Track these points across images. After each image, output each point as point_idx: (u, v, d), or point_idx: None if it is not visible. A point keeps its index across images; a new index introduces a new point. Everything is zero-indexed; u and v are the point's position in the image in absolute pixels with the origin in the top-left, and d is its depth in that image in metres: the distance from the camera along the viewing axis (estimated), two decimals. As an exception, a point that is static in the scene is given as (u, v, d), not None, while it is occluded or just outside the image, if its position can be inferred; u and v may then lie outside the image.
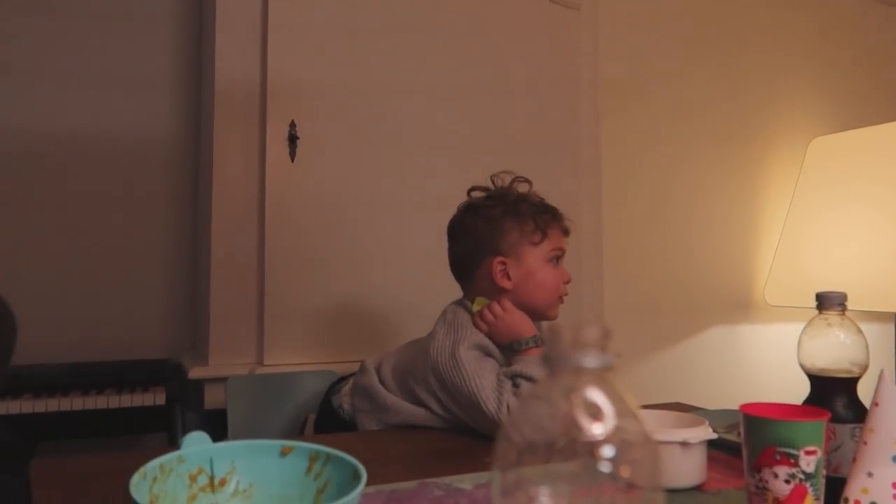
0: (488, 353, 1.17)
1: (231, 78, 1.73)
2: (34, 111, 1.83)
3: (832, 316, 0.79)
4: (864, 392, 0.76)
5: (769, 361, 2.44)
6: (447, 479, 0.88)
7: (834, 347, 0.79)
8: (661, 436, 0.84)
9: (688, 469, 0.85)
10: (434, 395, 1.16)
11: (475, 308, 1.22)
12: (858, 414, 0.76)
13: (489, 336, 1.19)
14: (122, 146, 1.90)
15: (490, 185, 1.29)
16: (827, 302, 0.80)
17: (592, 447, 0.38)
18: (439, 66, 1.90)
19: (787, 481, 0.66)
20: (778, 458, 0.66)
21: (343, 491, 0.61)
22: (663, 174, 2.36)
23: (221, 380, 1.55)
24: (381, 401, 1.21)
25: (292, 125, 1.74)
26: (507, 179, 1.28)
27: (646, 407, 1.16)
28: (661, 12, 2.37)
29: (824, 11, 2.62)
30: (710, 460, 0.90)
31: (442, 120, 1.89)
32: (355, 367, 1.35)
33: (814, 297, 0.81)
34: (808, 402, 0.80)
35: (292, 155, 1.74)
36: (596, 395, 0.40)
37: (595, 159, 2.12)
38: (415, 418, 1.19)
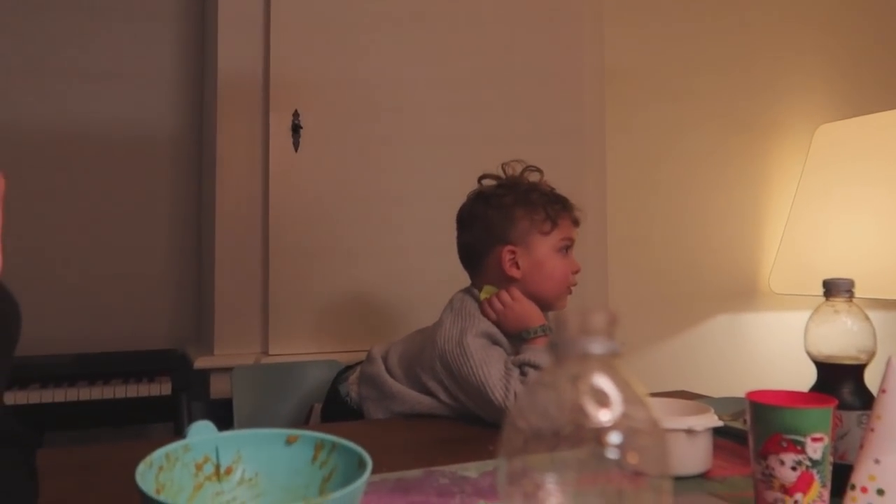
0: (496, 342, 1.17)
1: (234, 68, 1.72)
2: (39, 106, 1.83)
3: (839, 303, 0.79)
4: (872, 379, 0.75)
5: (774, 350, 2.43)
6: (453, 468, 0.89)
7: (841, 334, 0.78)
8: (667, 423, 0.84)
9: (693, 456, 0.85)
10: (441, 382, 1.16)
11: (483, 296, 1.22)
12: (865, 401, 0.76)
13: (497, 324, 1.19)
14: (127, 138, 1.90)
15: (501, 173, 1.28)
16: (834, 289, 0.79)
17: (599, 434, 0.38)
18: (443, 55, 1.89)
19: (794, 468, 0.66)
20: (784, 445, 0.66)
21: (349, 479, 0.61)
22: (668, 162, 2.35)
23: (227, 369, 1.56)
24: (387, 389, 1.22)
25: (295, 115, 1.73)
26: (518, 168, 1.28)
27: (652, 395, 1.15)
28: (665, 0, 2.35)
29: (831, -3, 2.60)
30: (716, 448, 0.90)
31: (446, 109, 1.89)
32: (361, 357, 1.35)
33: (820, 285, 0.80)
34: (814, 389, 0.79)
35: (296, 145, 1.73)
36: (602, 382, 0.40)
37: (600, 148, 2.10)
38: (421, 407, 1.19)
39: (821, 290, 0.80)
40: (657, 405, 0.94)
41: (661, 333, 2.32)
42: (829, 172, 2.29)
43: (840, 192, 2.22)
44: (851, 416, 0.77)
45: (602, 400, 0.39)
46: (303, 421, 1.40)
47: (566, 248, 1.24)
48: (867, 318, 0.78)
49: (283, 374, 1.53)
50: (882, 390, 0.67)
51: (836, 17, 2.61)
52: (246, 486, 0.67)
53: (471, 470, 0.88)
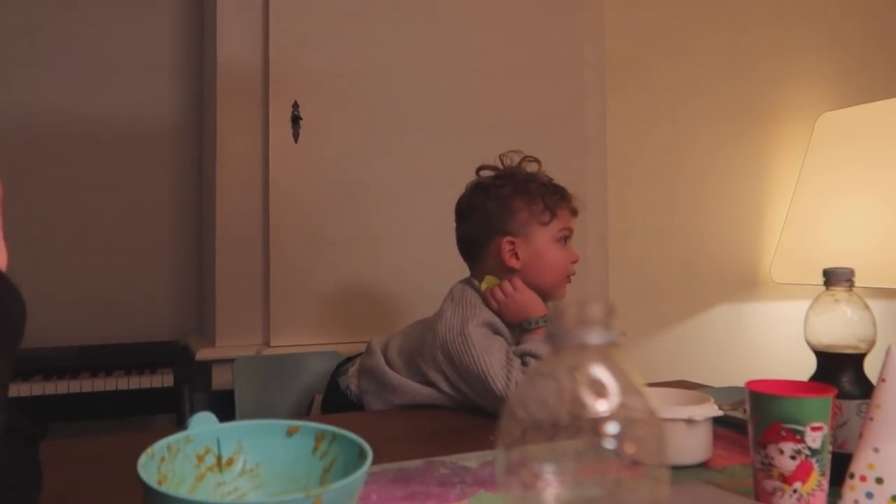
0: (497, 331, 1.17)
1: (233, 59, 1.72)
2: (39, 97, 1.83)
3: (839, 292, 0.79)
4: (871, 368, 0.75)
5: (775, 339, 2.43)
6: (453, 458, 0.89)
7: (841, 324, 0.78)
8: (666, 413, 0.84)
9: (693, 446, 0.86)
10: (442, 372, 1.16)
11: (484, 287, 1.22)
12: (865, 390, 0.76)
13: (498, 314, 1.19)
14: (128, 131, 1.90)
15: (499, 164, 1.28)
16: (834, 278, 0.79)
17: (597, 424, 0.38)
18: (442, 44, 1.88)
19: (793, 457, 0.66)
20: (784, 434, 0.66)
21: (349, 470, 0.61)
22: (669, 152, 2.34)
23: (228, 361, 1.56)
24: (387, 381, 1.22)
25: (295, 106, 1.73)
26: (516, 159, 1.28)
27: (651, 385, 1.16)
28: (666, -13, 2.34)
29: (833, -16, 2.58)
30: (716, 437, 0.90)
31: (445, 99, 1.88)
32: (361, 348, 1.35)
33: (820, 274, 0.80)
34: (814, 378, 0.80)
35: (295, 136, 1.73)
36: (600, 372, 0.40)
37: (601, 138, 2.10)
38: (422, 398, 1.19)
39: (821, 280, 0.80)
40: (657, 395, 0.94)
41: (662, 323, 2.33)
42: (830, 161, 2.28)
43: (842, 181, 2.22)
44: (851, 406, 0.77)
45: (600, 390, 0.39)
46: (304, 412, 1.40)
47: (565, 238, 1.24)
48: (867, 307, 0.78)
49: (284, 365, 1.53)
50: (881, 379, 0.67)
51: (839, 6, 2.60)
52: (247, 477, 0.67)
53: (471, 460, 0.88)
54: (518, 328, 1.20)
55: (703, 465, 0.86)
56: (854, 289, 0.79)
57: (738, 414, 1.03)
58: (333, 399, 1.29)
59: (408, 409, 1.20)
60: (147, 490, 0.54)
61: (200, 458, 0.65)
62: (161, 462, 0.61)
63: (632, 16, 2.29)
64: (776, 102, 2.50)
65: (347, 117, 1.79)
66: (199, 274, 1.95)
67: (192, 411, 1.61)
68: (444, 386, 1.17)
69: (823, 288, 0.80)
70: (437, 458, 0.89)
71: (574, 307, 0.40)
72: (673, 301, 2.33)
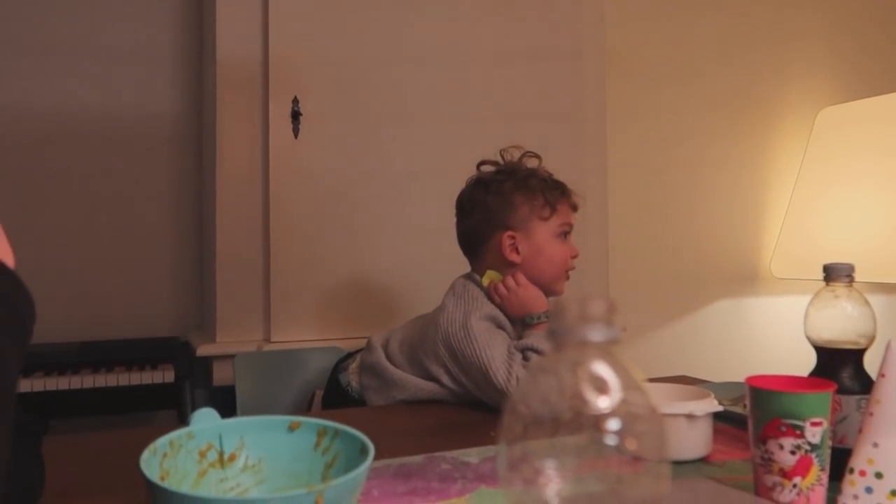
0: (499, 325, 1.18)
1: (233, 55, 1.71)
2: (39, 92, 1.82)
3: (839, 287, 0.79)
4: (871, 363, 0.75)
5: (775, 334, 2.43)
6: (454, 453, 0.89)
7: (841, 319, 0.78)
8: (667, 408, 0.85)
9: (694, 441, 0.86)
10: (444, 366, 1.16)
11: (485, 281, 1.22)
12: (865, 385, 0.76)
13: (501, 309, 1.19)
14: (128, 127, 1.90)
15: (499, 159, 1.29)
16: (834, 273, 0.79)
17: (598, 420, 0.39)
18: (442, 38, 1.88)
19: (793, 452, 0.66)
20: (783, 429, 0.66)
21: (351, 465, 0.61)
22: (668, 146, 2.34)
23: (229, 357, 1.56)
24: (388, 377, 1.22)
25: (295, 101, 1.73)
26: (517, 154, 1.29)
27: (652, 380, 1.16)
28: (667, -19, 2.33)
29: (834, -21, 2.58)
30: (716, 432, 0.90)
31: (446, 93, 1.88)
32: (362, 343, 1.35)
33: (821, 270, 0.80)
34: (814, 373, 0.80)
35: (296, 131, 1.73)
36: (601, 369, 0.40)
37: (601, 130, 2.09)
38: (423, 393, 1.20)
39: (821, 275, 0.80)
40: (658, 390, 0.95)
41: (662, 318, 2.33)
42: (831, 156, 2.28)
43: (842, 176, 2.21)
44: (851, 401, 0.77)
45: (601, 386, 0.39)
46: (305, 407, 1.40)
47: (565, 233, 1.25)
48: (867, 302, 0.78)
49: (285, 361, 1.53)
50: (881, 374, 0.67)
51: (839, 0, 2.59)
52: (249, 473, 0.67)
53: (472, 455, 0.88)
54: (520, 323, 1.20)
55: (704, 460, 0.87)
56: (854, 284, 0.79)
57: (738, 409, 1.03)
58: (334, 395, 1.30)
59: (409, 404, 1.20)
60: (150, 486, 0.54)
61: (203, 454, 0.65)
62: (163, 458, 0.61)
63: (632, 7, 2.28)
64: (777, 96, 2.50)
65: (348, 112, 1.79)
66: (200, 270, 1.95)
67: (194, 407, 1.61)
68: (445, 380, 1.17)
69: (823, 283, 0.80)
70: (438, 454, 0.89)
71: (575, 304, 0.40)
72: (673, 296, 2.34)
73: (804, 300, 0.82)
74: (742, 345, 2.41)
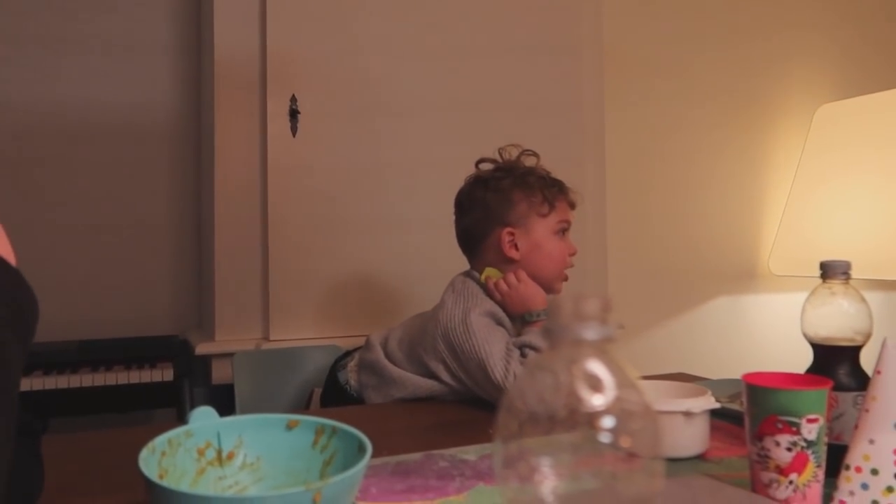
0: (499, 322, 1.18)
1: (231, 54, 1.71)
2: (37, 89, 1.82)
3: (836, 284, 0.79)
4: (867, 360, 0.76)
5: (774, 331, 2.44)
6: (452, 451, 0.89)
7: (837, 316, 0.78)
8: (664, 406, 0.85)
9: (691, 438, 0.86)
10: (443, 362, 1.17)
11: (483, 277, 1.23)
12: (861, 382, 0.77)
13: (501, 306, 1.20)
14: (126, 126, 1.90)
15: (497, 157, 1.29)
16: (831, 270, 0.79)
17: (593, 418, 0.39)
18: (440, 36, 1.88)
19: (789, 449, 0.66)
20: (780, 426, 0.66)
21: (349, 463, 0.62)
22: (667, 143, 2.34)
23: (228, 355, 1.56)
24: (387, 375, 1.22)
25: (293, 100, 1.73)
26: (515, 152, 1.29)
27: (649, 377, 1.16)
28: (665, -23, 2.33)
29: (832, -24, 2.57)
30: (713, 429, 0.90)
31: (444, 91, 1.88)
32: (360, 342, 1.36)
33: (819, 267, 0.81)
34: (810, 370, 0.80)
35: (294, 130, 1.73)
36: (596, 367, 0.40)
37: (599, 126, 2.09)
38: (422, 391, 1.20)
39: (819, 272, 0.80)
40: (655, 387, 0.95)
41: (661, 315, 2.33)
42: (829, 153, 2.28)
43: (840, 173, 2.22)
44: (847, 398, 0.77)
45: (596, 385, 0.39)
46: (303, 406, 1.41)
47: (563, 230, 1.26)
48: (863, 299, 0.78)
49: (283, 359, 1.53)
50: (877, 371, 0.68)
51: (837, -3, 2.59)
52: (248, 471, 0.68)
53: (470, 453, 0.89)
54: (520, 320, 1.21)
55: (701, 457, 0.87)
56: (851, 281, 0.79)
57: (735, 406, 1.03)
58: (333, 393, 1.30)
59: (407, 402, 1.20)
60: (149, 484, 0.54)
61: (201, 453, 0.66)
62: (162, 456, 0.61)
63: (630, 5, 2.28)
64: (775, 93, 2.50)
65: (345, 110, 1.79)
66: (199, 268, 1.95)
67: (192, 405, 1.62)
68: (445, 376, 1.18)
69: (821, 280, 0.80)
70: (436, 452, 0.89)
71: (570, 302, 0.41)
72: (671, 293, 2.34)
73: (802, 297, 0.82)
74: (740, 342, 2.41)
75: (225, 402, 1.44)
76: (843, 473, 0.67)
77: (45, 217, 1.82)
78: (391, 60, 1.83)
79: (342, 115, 1.78)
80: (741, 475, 0.76)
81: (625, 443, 0.39)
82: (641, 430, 0.39)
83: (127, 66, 1.90)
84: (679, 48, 2.35)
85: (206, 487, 0.65)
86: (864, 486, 0.66)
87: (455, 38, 1.89)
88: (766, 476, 0.68)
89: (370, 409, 1.21)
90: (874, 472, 0.66)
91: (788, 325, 2.34)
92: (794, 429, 0.66)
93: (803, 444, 0.66)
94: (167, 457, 0.62)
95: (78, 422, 1.67)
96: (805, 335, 0.81)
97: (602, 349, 0.40)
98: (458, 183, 1.31)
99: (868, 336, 0.78)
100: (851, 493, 0.66)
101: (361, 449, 0.62)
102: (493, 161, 1.29)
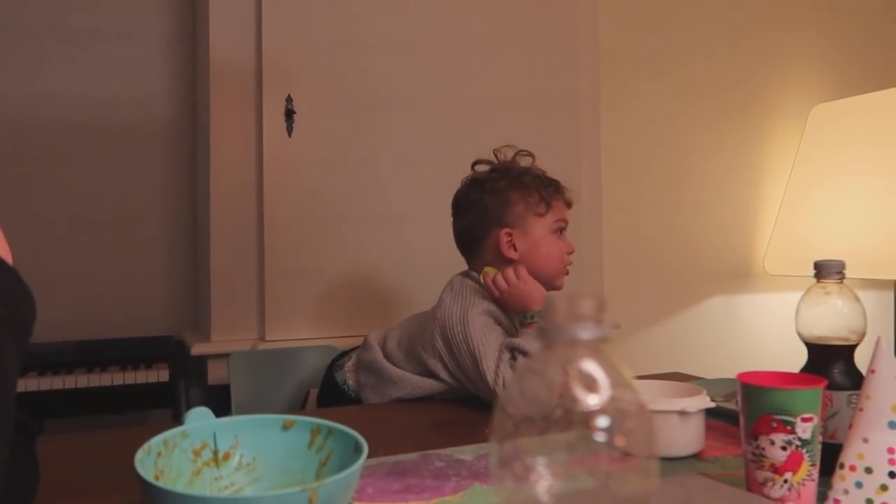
0: (497, 322, 1.18)
1: (226, 54, 1.71)
2: (30, 89, 1.81)
3: (830, 284, 0.79)
4: (862, 359, 0.76)
5: (769, 331, 2.44)
6: (448, 451, 0.90)
7: (831, 315, 0.79)
8: (659, 405, 0.85)
9: (686, 437, 0.87)
10: (441, 360, 1.17)
11: (483, 274, 1.23)
12: (855, 381, 0.77)
13: (499, 305, 1.20)
14: (121, 125, 1.89)
15: (493, 158, 1.30)
16: (825, 270, 0.80)
17: (588, 418, 0.39)
18: (437, 37, 1.88)
19: (784, 448, 0.67)
20: (774, 425, 0.67)
21: (345, 463, 0.62)
22: (662, 143, 2.34)
23: (224, 356, 1.56)
24: (386, 375, 1.23)
25: (288, 100, 1.73)
26: (510, 153, 1.30)
27: (645, 377, 1.17)
28: (659, -25, 2.34)
29: (826, -24, 2.58)
30: (708, 429, 0.91)
31: (440, 91, 1.88)
32: (357, 342, 1.36)
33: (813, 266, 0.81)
34: (805, 370, 0.80)
35: (289, 130, 1.73)
36: (591, 367, 0.40)
37: (594, 124, 2.09)
38: (421, 390, 1.20)
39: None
40: (651, 387, 0.95)
41: (656, 315, 2.34)
42: (824, 153, 2.29)
43: (835, 173, 2.22)
44: (841, 396, 0.78)
45: (591, 384, 0.39)
46: (299, 406, 1.41)
47: (560, 229, 1.26)
48: (857, 299, 0.79)
49: (279, 359, 1.53)
50: (871, 370, 0.68)
51: (832, -3, 2.60)
52: (244, 471, 0.68)
53: (466, 453, 0.89)
54: (519, 318, 1.21)
55: (696, 457, 0.87)
56: (845, 280, 0.80)
57: (730, 405, 1.04)
58: (329, 393, 1.30)
59: (403, 402, 1.21)
60: (144, 485, 0.54)
61: (197, 453, 0.66)
62: (158, 457, 0.61)
63: (625, 7, 2.29)
64: (770, 93, 2.50)
65: (341, 110, 1.78)
66: (194, 269, 1.94)
67: (188, 406, 1.61)
68: (443, 375, 1.18)
69: (816, 280, 0.80)
70: (432, 452, 0.89)
71: (565, 302, 0.41)
72: (667, 292, 2.34)
73: (797, 297, 0.82)
74: (735, 341, 2.42)
75: (221, 403, 1.44)
76: (838, 472, 0.68)
77: (41, 217, 1.82)
78: (387, 59, 1.83)
79: (338, 116, 1.78)
80: (736, 474, 0.77)
81: (620, 442, 0.39)
82: (636, 429, 0.39)
83: (121, 58, 1.89)
84: (674, 47, 2.36)
85: (202, 488, 0.65)
86: (859, 485, 0.66)
87: (450, 35, 1.89)
88: (762, 475, 0.68)
89: (366, 410, 1.21)
90: (868, 470, 0.66)
91: (783, 325, 2.34)
92: (789, 428, 0.66)
93: (798, 442, 0.66)
94: (163, 458, 0.62)
95: (73, 423, 1.67)
96: (799, 334, 0.81)
97: (597, 349, 0.41)
98: (454, 181, 1.31)
99: (862, 335, 0.79)
100: (846, 492, 0.66)
101: (357, 449, 0.62)
102: (488, 162, 1.30)
